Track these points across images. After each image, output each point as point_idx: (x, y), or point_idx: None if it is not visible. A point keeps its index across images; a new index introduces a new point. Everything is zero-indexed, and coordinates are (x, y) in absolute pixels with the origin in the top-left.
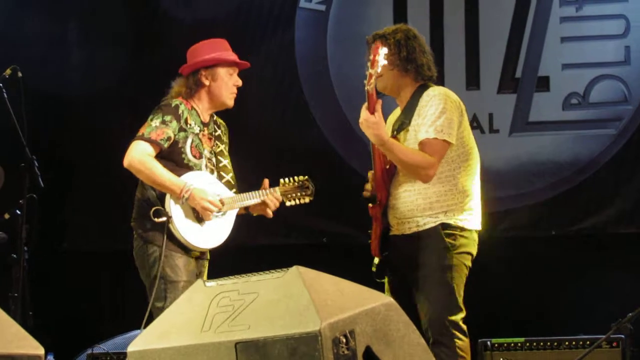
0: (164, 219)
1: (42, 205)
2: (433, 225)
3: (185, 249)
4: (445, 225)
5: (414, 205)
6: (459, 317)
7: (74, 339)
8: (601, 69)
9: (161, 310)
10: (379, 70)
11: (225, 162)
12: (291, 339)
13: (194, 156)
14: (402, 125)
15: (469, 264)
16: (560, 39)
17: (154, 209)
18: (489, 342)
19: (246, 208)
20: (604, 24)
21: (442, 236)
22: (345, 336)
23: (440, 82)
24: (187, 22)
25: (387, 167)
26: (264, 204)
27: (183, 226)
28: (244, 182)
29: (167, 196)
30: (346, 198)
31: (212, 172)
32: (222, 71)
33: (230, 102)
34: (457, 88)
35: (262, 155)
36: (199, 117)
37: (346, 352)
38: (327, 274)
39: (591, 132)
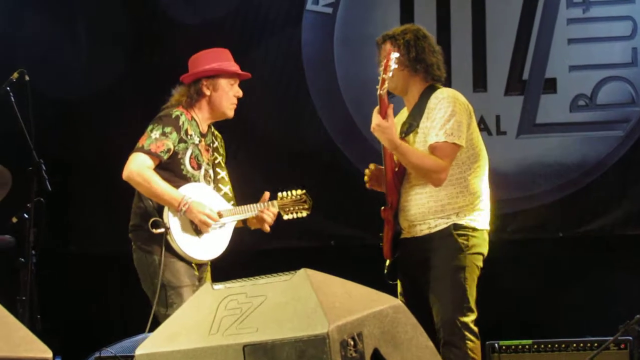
0: (162, 230)
1: (50, 208)
2: (445, 226)
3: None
4: (457, 226)
5: (426, 208)
6: (470, 319)
7: (81, 342)
8: (608, 70)
9: (167, 317)
10: (391, 75)
11: (223, 174)
12: (299, 341)
13: (193, 167)
14: (410, 127)
15: (481, 264)
16: (568, 40)
17: (152, 220)
18: (496, 344)
19: (244, 221)
20: (611, 25)
21: (455, 237)
22: (353, 339)
23: (448, 84)
24: (193, 25)
25: (397, 169)
26: (261, 218)
27: (181, 238)
28: (250, 185)
29: (166, 207)
30: (354, 201)
31: (209, 183)
32: (223, 82)
33: (230, 112)
34: (464, 90)
35: (268, 158)
36: (198, 127)
37: (354, 354)
38: (335, 276)
39: (598, 133)
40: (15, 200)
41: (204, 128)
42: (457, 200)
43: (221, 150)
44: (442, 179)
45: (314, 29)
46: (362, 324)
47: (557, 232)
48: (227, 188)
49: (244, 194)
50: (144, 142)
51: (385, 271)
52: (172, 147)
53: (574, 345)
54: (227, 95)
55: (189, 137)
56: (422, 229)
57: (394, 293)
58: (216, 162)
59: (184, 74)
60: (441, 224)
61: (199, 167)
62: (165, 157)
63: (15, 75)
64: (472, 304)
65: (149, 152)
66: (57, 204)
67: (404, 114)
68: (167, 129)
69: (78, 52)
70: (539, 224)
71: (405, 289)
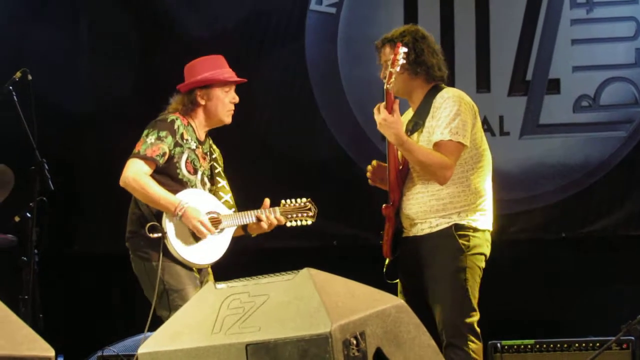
0: (159, 235)
1: (53, 208)
2: (446, 226)
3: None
4: (458, 226)
5: (428, 207)
6: (473, 320)
7: (84, 341)
8: (612, 71)
9: None
10: (398, 69)
11: (224, 182)
12: (302, 340)
13: (189, 172)
14: (415, 125)
15: (483, 265)
16: (571, 41)
17: (149, 224)
18: (499, 344)
19: (244, 229)
20: (614, 26)
21: (456, 237)
22: (355, 338)
23: (451, 84)
24: (196, 27)
25: (400, 167)
26: (260, 222)
27: (178, 243)
28: (254, 185)
29: (164, 213)
30: (357, 201)
31: (204, 189)
32: (217, 90)
33: (227, 119)
34: (467, 90)
35: (272, 159)
36: (195, 133)
37: (357, 354)
38: (338, 276)
39: (602, 134)
40: (18, 200)
41: (201, 135)
42: (459, 199)
43: (220, 162)
44: (448, 177)
45: (318, 29)
46: (364, 324)
47: (560, 233)
48: (228, 196)
49: (247, 196)
50: (139, 147)
51: (385, 270)
52: (167, 150)
53: (576, 345)
54: (223, 103)
55: (184, 141)
56: (423, 228)
57: (395, 292)
58: (216, 171)
59: (181, 83)
60: (442, 224)
61: (195, 172)
62: (161, 161)
63: (18, 74)
64: (475, 305)
65: (144, 157)
66: (60, 203)
67: (409, 114)
68: (162, 133)
69: (81, 55)
70: (542, 225)
71: (405, 288)
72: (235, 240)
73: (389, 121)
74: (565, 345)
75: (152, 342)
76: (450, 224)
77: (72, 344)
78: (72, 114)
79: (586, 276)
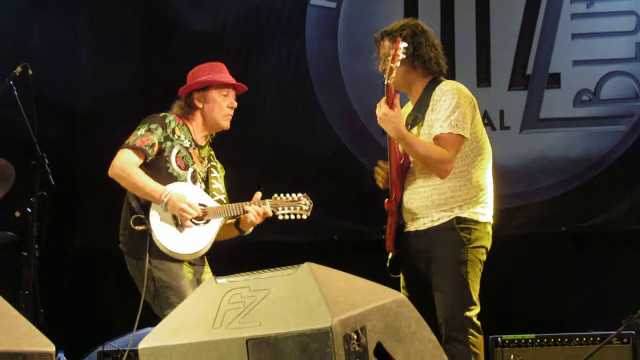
0: (143, 226)
1: (53, 203)
2: (447, 219)
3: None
4: (459, 219)
5: (429, 201)
6: (473, 313)
7: (84, 336)
8: (612, 65)
9: None
10: (398, 64)
11: (219, 185)
12: (302, 335)
13: (179, 166)
14: (415, 119)
15: (484, 258)
16: (571, 35)
17: (134, 216)
18: (499, 339)
19: (238, 227)
20: (614, 20)
21: (457, 230)
22: (356, 332)
23: (451, 78)
24: (197, 22)
25: (402, 161)
26: (246, 213)
27: (162, 234)
28: (254, 180)
29: (151, 205)
30: (358, 196)
31: (195, 184)
32: (214, 93)
33: (224, 123)
34: (468, 85)
35: (273, 155)
36: (191, 134)
37: (357, 348)
38: (339, 270)
39: (602, 128)
40: (19, 195)
41: (198, 139)
42: (460, 193)
43: (221, 174)
44: (449, 170)
45: (318, 23)
46: (365, 318)
47: (560, 227)
48: (222, 197)
49: (247, 191)
50: (130, 139)
51: (388, 264)
52: (157, 142)
53: (577, 339)
54: (220, 107)
55: (175, 136)
56: (425, 222)
57: (397, 287)
58: (212, 175)
59: (182, 86)
60: (444, 217)
61: (186, 168)
62: (150, 151)
63: (19, 69)
64: (475, 298)
65: (133, 147)
66: (61, 199)
67: (408, 108)
68: (153, 126)
69: (89, 51)
70: (542, 219)
71: (407, 282)
72: (234, 238)
73: (389, 116)
74: (566, 340)
75: (152, 338)
76: (451, 217)
77: (72, 339)
78: (72, 109)
79: (587, 270)
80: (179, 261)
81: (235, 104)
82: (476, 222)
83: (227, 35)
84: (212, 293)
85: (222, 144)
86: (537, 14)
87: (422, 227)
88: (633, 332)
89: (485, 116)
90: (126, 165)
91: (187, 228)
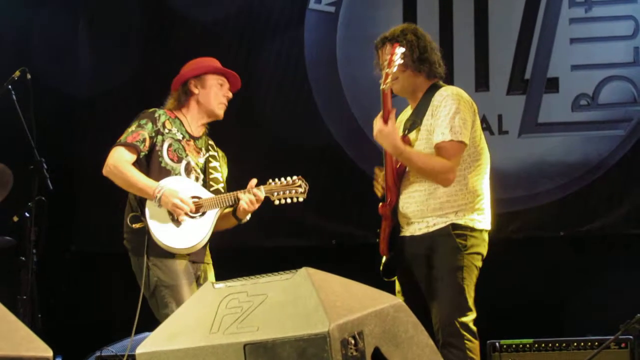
0: (141, 224)
1: (51, 207)
2: (443, 225)
3: (171, 252)
4: (455, 226)
5: (425, 206)
6: (469, 319)
7: (82, 341)
8: (610, 70)
9: (165, 316)
10: (395, 70)
11: (218, 175)
12: (300, 340)
13: (172, 159)
14: (413, 124)
15: (480, 264)
16: (570, 40)
17: (131, 214)
18: (497, 344)
19: (235, 216)
20: (613, 25)
21: (453, 237)
22: (353, 337)
23: (450, 83)
24: (197, 23)
25: (397, 166)
26: (239, 200)
27: (157, 228)
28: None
29: (146, 204)
30: (355, 200)
31: (197, 179)
32: (211, 79)
33: (219, 111)
34: (466, 89)
35: (270, 157)
36: (184, 126)
37: (355, 353)
38: (336, 275)
39: (600, 133)
40: (17, 199)
41: (193, 130)
42: (456, 198)
43: (222, 164)
44: (451, 180)
45: (317, 27)
46: (363, 323)
47: (559, 231)
48: (219, 186)
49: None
50: (121, 137)
51: (381, 268)
52: (147, 137)
53: (575, 344)
54: (216, 94)
55: (166, 130)
56: (421, 228)
57: (391, 291)
58: (210, 165)
59: (175, 78)
60: (439, 223)
61: (179, 161)
62: (142, 147)
63: (17, 73)
64: (471, 304)
65: (125, 144)
66: (59, 203)
67: (407, 112)
68: (143, 121)
69: (87, 53)
70: (541, 223)
71: (403, 287)
72: (233, 239)
73: (384, 132)
74: (564, 345)
75: (150, 342)
76: (447, 223)
77: (70, 344)
78: (72, 109)
79: (585, 275)
80: (180, 259)
81: (230, 95)
82: (472, 229)
83: (225, 38)
84: (209, 298)
85: (223, 144)
86: (536, 18)
87: (418, 233)
88: (631, 337)
89: (484, 120)
90: (119, 162)
91: (183, 222)
